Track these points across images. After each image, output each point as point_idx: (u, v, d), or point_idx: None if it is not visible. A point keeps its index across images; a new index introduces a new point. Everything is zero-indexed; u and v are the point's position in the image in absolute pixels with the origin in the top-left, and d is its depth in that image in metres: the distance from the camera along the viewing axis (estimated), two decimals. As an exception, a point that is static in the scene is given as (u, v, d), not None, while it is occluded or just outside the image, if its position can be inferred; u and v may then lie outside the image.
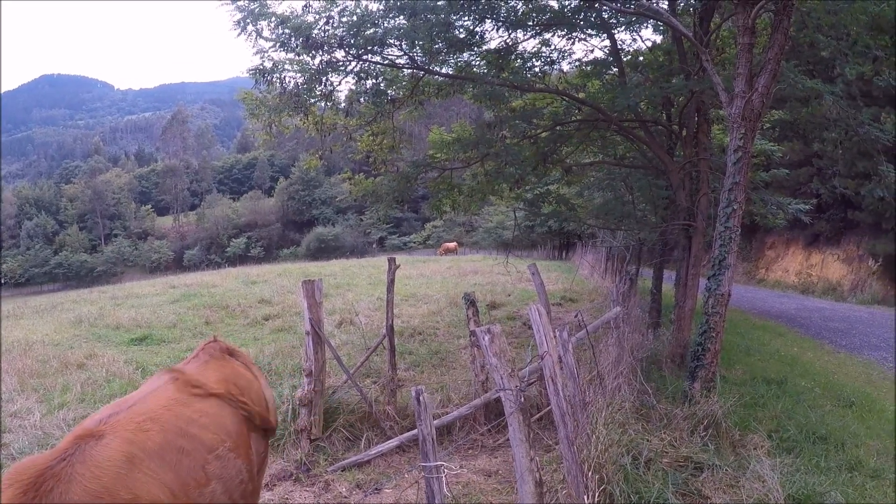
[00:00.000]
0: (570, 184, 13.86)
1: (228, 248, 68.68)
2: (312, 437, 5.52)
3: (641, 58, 10.01)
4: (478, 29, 8.42)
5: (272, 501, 4.65)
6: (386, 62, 8.53)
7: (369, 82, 8.80)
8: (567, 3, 8.59)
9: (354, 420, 5.92)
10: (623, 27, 9.09)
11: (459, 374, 7.61)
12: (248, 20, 7.40)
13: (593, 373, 5.90)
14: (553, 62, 9.63)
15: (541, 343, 3.66)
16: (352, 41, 7.68)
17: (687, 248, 8.64)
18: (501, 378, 3.24)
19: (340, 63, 8.19)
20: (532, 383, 5.99)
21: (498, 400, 4.80)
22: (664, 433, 4.78)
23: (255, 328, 11.89)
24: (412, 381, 7.49)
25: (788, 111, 10.03)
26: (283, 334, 10.92)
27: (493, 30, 8.56)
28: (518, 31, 8.73)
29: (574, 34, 9.00)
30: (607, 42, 9.28)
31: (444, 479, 3.06)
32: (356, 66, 8.39)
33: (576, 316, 6.67)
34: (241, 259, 60.68)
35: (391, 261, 6.43)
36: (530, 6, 8.31)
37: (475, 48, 8.77)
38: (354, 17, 7.56)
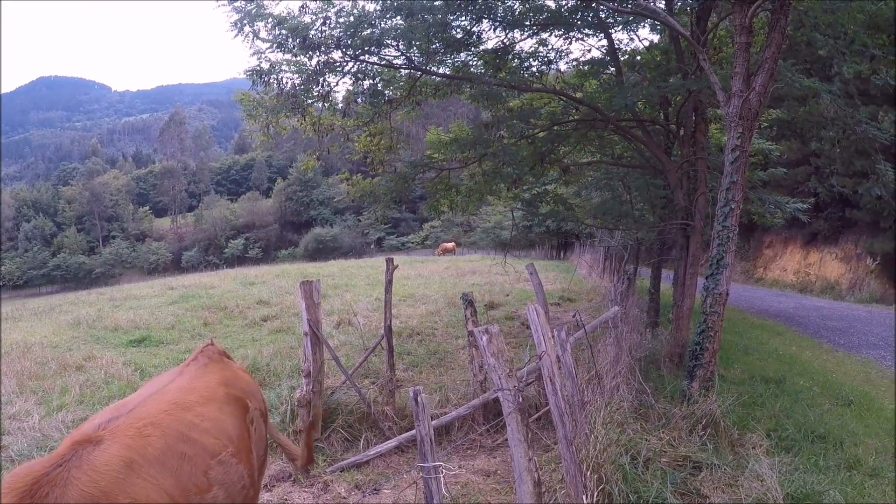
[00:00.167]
0: (568, 183, 13.89)
1: (226, 250, 68.66)
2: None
3: (639, 57, 10.03)
4: (475, 29, 8.42)
5: (271, 502, 4.65)
6: (383, 62, 8.53)
7: (366, 83, 8.81)
8: (564, 2, 8.60)
9: (353, 421, 5.92)
10: (620, 27, 9.10)
11: (458, 375, 7.60)
12: (245, 21, 7.40)
13: (592, 372, 5.90)
14: (550, 62, 9.65)
15: (539, 343, 3.65)
16: (349, 42, 7.68)
17: (685, 248, 8.65)
18: (500, 378, 3.24)
19: (337, 64, 8.19)
20: (530, 383, 6.00)
21: (496, 400, 4.79)
22: (663, 432, 4.78)
23: (253, 329, 11.87)
24: (410, 382, 7.48)
25: (786, 110, 10.05)
26: (281, 335, 10.89)
27: (490, 30, 8.59)
28: (515, 30, 8.74)
29: (571, 34, 9.01)
30: (604, 42, 9.31)
31: (442, 479, 3.05)
32: (353, 66, 8.39)
33: (574, 316, 6.66)
34: (240, 260, 60.60)
35: (389, 261, 6.42)
36: (527, 6, 8.31)
37: (472, 48, 8.78)
38: (351, 18, 7.57)
